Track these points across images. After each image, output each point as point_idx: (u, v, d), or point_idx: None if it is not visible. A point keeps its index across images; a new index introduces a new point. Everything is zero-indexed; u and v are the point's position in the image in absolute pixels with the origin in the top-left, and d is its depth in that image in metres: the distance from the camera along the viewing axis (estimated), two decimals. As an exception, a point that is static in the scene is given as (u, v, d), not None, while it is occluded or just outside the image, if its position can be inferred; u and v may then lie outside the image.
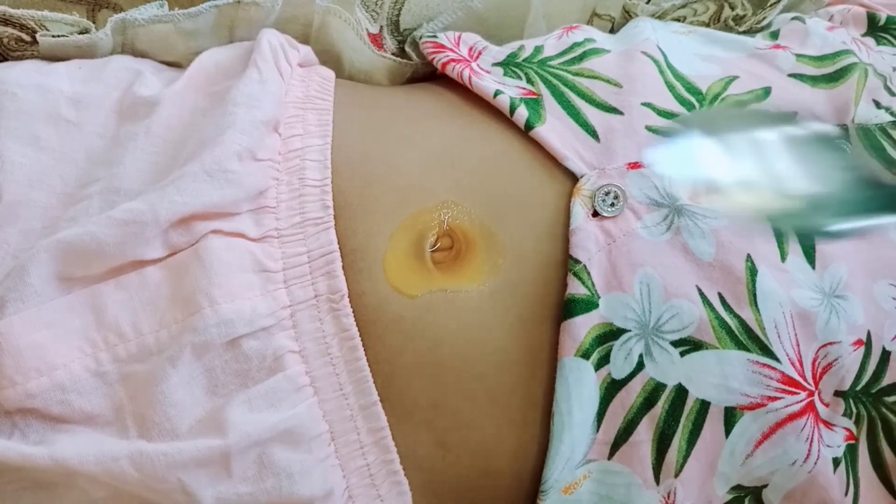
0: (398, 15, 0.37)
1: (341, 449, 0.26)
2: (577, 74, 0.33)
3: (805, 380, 0.28)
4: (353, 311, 0.27)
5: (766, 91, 0.33)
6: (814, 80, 0.34)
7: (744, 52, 0.35)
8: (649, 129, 0.31)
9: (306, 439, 0.25)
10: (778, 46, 0.36)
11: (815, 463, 0.28)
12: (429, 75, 0.39)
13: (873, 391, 0.29)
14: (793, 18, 0.39)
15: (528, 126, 0.31)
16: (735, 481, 0.29)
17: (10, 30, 0.31)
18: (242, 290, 0.26)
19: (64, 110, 0.30)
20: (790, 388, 0.27)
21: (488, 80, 0.33)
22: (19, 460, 0.24)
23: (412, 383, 0.27)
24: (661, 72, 0.33)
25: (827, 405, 0.28)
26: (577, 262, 0.28)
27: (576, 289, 0.28)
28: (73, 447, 0.24)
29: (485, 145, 0.31)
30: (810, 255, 0.29)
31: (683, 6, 0.39)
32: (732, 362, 0.27)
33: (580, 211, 0.29)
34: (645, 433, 0.28)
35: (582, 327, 0.28)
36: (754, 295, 0.28)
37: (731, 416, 0.28)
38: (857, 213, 0.30)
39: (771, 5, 0.40)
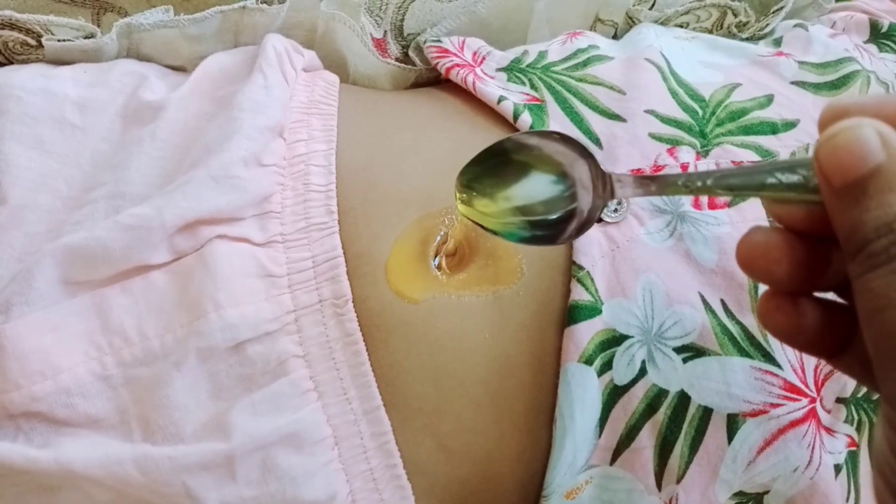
0: (402, 20, 0.37)
1: (345, 453, 0.26)
2: (580, 80, 0.33)
3: (807, 386, 0.28)
4: (357, 316, 0.27)
5: (769, 98, 0.33)
6: (816, 87, 0.34)
7: (746, 59, 0.35)
8: (652, 136, 0.31)
9: (310, 443, 0.25)
10: (781, 53, 0.36)
11: (817, 469, 0.28)
12: (432, 80, 0.39)
13: (874, 397, 0.29)
14: (795, 25, 0.39)
15: None
16: (737, 487, 0.29)
17: (15, 34, 0.31)
18: (247, 295, 0.26)
19: (69, 114, 0.30)
20: (792, 395, 0.27)
21: (492, 86, 0.33)
22: (24, 463, 0.24)
23: (415, 388, 0.27)
24: (665, 79, 0.33)
25: (829, 412, 0.28)
26: (581, 268, 0.28)
27: (579, 295, 0.28)
28: (77, 451, 0.24)
29: None
30: None
31: (686, 13, 0.39)
32: (735, 369, 0.27)
33: None
34: (647, 439, 0.28)
35: (585, 333, 0.28)
36: (756, 301, 0.28)
37: (733, 423, 0.28)
38: None
39: (773, 12, 0.40)
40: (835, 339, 0.20)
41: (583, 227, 0.24)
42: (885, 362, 0.16)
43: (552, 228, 0.24)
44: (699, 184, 0.20)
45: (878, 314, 0.16)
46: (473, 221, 0.25)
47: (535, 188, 0.24)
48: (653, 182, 0.22)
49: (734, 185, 0.20)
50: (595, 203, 0.23)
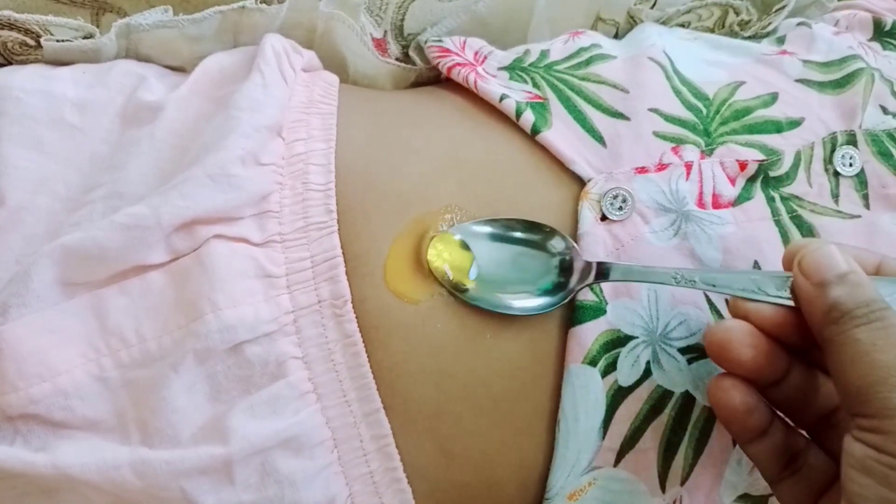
0: (402, 20, 0.37)
1: (344, 456, 0.26)
2: (583, 79, 0.33)
3: None
4: (357, 317, 0.26)
5: (774, 97, 0.32)
6: (821, 85, 0.34)
7: (750, 57, 0.35)
8: (656, 134, 0.31)
9: (309, 446, 0.25)
10: (784, 52, 0.35)
11: (823, 471, 0.27)
12: (432, 80, 0.39)
13: None
14: (799, 24, 0.38)
15: (535, 130, 0.31)
16: (742, 490, 0.28)
17: (14, 34, 0.31)
18: (245, 296, 0.26)
19: (68, 115, 0.29)
20: None
21: (494, 85, 0.33)
22: (21, 467, 0.23)
23: (416, 390, 0.27)
24: (668, 77, 0.33)
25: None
26: None
27: (584, 295, 0.28)
28: (74, 455, 0.24)
29: (490, 149, 0.31)
30: None
31: (688, 12, 0.39)
32: None
33: (588, 214, 0.29)
34: (651, 441, 0.28)
35: (590, 334, 0.27)
36: None
37: None
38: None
39: (776, 10, 0.39)
40: (759, 426, 0.25)
41: (560, 300, 0.27)
42: (873, 388, 0.21)
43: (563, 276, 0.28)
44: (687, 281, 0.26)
45: (866, 356, 0.21)
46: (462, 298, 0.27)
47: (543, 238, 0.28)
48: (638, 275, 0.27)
49: (717, 283, 0.26)
50: (577, 283, 0.27)
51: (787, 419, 0.26)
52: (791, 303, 0.24)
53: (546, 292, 0.28)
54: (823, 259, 0.24)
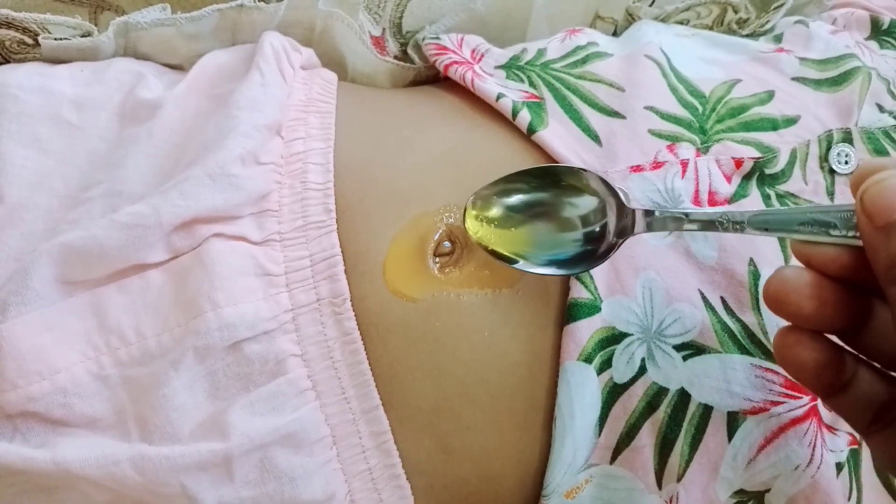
0: (401, 17, 0.37)
1: (343, 453, 0.26)
2: (579, 78, 0.33)
3: None
4: (356, 315, 0.27)
5: (770, 94, 0.33)
6: (817, 83, 0.34)
7: (747, 55, 0.35)
8: (652, 132, 0.31)
9: (308, 443, 0.25)
10: (781, 50, 0.36)
11: (819, 467, 0.28)
12: (431, 78, 0.39)
13: None
14: (796, 22, 0.38)
15: (531, 130, 0.31)
16: (738, 486, 0.28)
17: (12, 32, 0.31)
18: (244, 294, 0.26)
19: (66, 113, 0.29)
20: (793, 393, 0.27)
21: (491, 84, 0.33)
22: (21, 463, 0.24)
23: (414, 387, 0.27)
24: (665, 75, 0.33)
25: (830, 409, 0.28)
26: None
27: (579, 293, 0.28)
28: (74, 450, 0.24)
29: (487, 148, 0.31)
30: None
31: (686, 9, 0.39)
32: (735, 367, 0.27)
33: None
34: (647, 438, 0.28)
35: (584, 331, 0.28)
36: (757, 299, 0.28)
37: (733, 421, 0.28)
38: None
39: (774, 8, 0.39)
40: (837, 380, 0.22)
41: (601, 256, 0.27)
42: None
43: (595, 243, 0.27)
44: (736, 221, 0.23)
45: None
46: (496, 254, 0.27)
47: (580, 201, 0.27)
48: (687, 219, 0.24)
49: (770, 224, 0.22)
50: (613, 240, 0.26)
51: (876, 365, 0.23)
52: (860, 242, 0.20)
53: (583, 253, 0.27)
54: (891, 195, 0.19)
